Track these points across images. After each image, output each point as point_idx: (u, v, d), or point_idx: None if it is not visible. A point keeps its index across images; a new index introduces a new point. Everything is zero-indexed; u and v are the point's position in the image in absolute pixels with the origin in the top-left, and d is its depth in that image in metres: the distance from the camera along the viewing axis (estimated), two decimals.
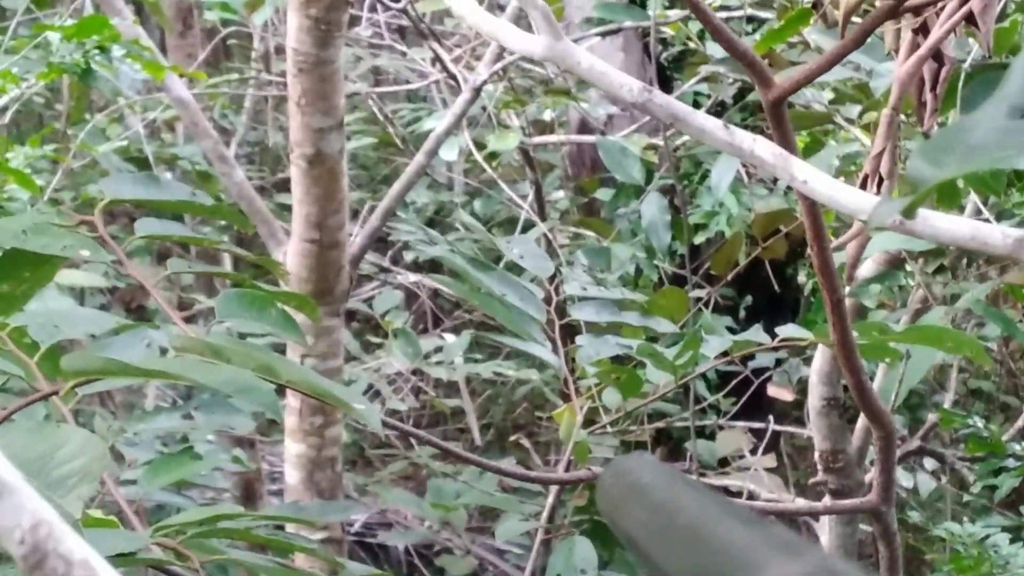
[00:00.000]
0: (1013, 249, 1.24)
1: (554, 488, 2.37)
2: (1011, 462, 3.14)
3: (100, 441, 1.18)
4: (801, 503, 3.01)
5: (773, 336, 2.06)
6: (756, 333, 2.07)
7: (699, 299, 4.18)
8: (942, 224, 1.22)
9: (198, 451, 1.89)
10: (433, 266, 5.62)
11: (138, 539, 1.55)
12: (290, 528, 3.09)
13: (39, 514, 0.55)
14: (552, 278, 2.27)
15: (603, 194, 4.55)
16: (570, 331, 2.37)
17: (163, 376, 1.27)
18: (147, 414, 1.85)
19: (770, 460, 4.40)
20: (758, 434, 4.37)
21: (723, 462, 4.49)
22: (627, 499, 0.81)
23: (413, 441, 4.81)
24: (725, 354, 4.48)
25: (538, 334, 2.08)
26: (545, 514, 2.32)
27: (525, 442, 4.41)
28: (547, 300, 2.18)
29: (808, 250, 1.41)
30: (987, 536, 3.90)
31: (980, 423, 3.19)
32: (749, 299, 4.83)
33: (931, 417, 3.22)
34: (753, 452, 4.29)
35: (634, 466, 0.87)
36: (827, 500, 3.32)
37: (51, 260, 1.51)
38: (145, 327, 1.63)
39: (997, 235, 1.23)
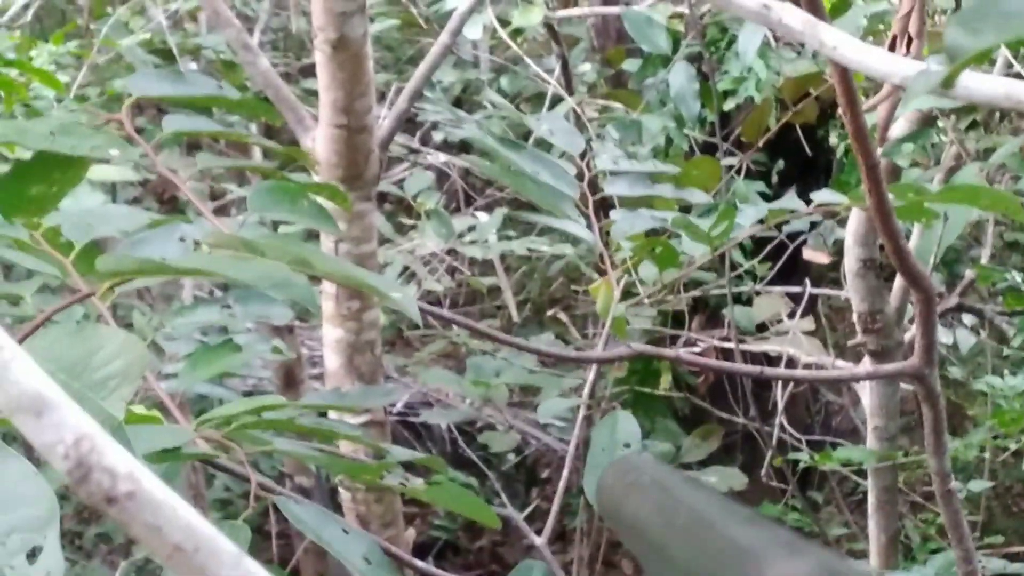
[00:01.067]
0: None
1: (589, 382, 2.37)
2: None
3: (139, 341, 1.19)
4: (841, 365, 3.01)
5: (808, 201, 2.05)
6: (791, 200, 2.06)
7: (731, 167, 4.16)
8: (975, 84, 1.21)
9: (237, 342, 1.89)
10: (463, 145, 5.60)
11: (182, 433, 1.56)
12: (332, 414, 3.11)
13: (81, 428, 0.55)
14: (583, 154, 2.25)
15: (630, 65, 4.51)
16: (603, 206, 2.36)
17: (198, 274, 1.27)
18: (185, 308, 1.85)
19: (808, 323, 4.40)
20: (795, 298, 4.36)
21: (761, 327, 4.49)
22: (628, 498, 0.81)
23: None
24: (760, 222, 4.48)
25: (572, 211, 2.07)
26: (587, 390, 2.33)
27: (563, 316, 4.41)
28: (579, 176, 2.16)
29: (839, 112, 1.39)
30: None
31: (1018, 277, 3.18)
32: (781, 164, 4.80)
33: (968, 273, 3.20)
34: (791, 316, 4.29)
35: (635, 465, 0.87)
36: (866, 361, 3.32)
37: (81, 160, 1.51)
38: (178, 221, 1.63)
39: None
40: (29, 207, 1.56)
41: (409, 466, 1.84)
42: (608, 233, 2.21)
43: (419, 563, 1.92)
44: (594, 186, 2.26)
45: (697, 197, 2.17)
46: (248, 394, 5.69)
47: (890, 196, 1.87)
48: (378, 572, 1.48)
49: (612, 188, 2.18)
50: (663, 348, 4.13)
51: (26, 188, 1.52)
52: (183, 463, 1.81)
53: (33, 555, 1.21)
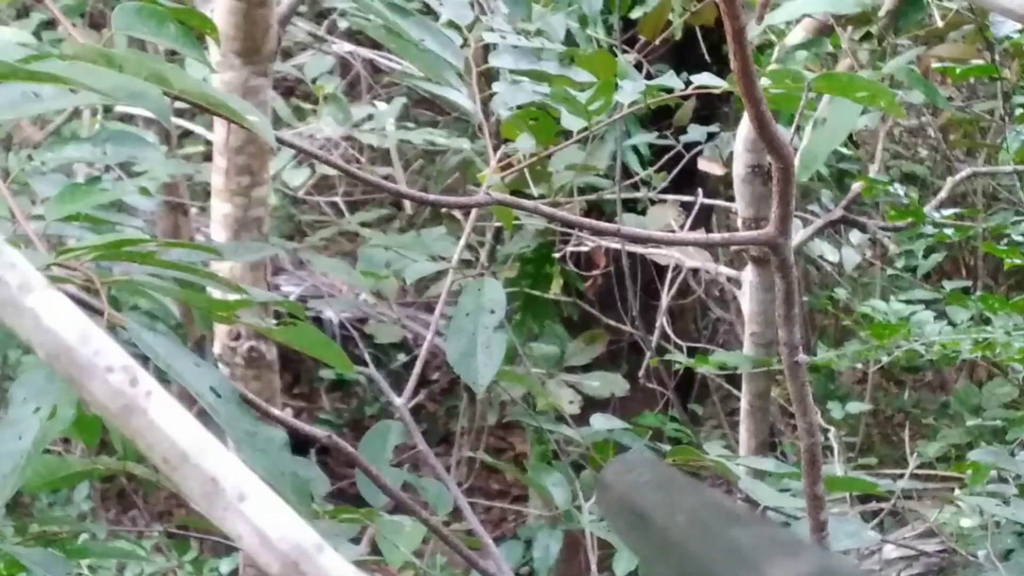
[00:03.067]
0: None
1: (465, 233, 2.38)
2: (930, 230, 3.17)
3: None
4: (715, 235, 3.03)
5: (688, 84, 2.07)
6: (670, 79, 2.07)
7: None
8: None
9: (103, 183, 1.88)
10: (372, 40, 5.56)
11: (39, 258, 1.55)
12: (216, 293, 3.11)
13: None
14: (471, 26, 2.25)
15: None
16: (490, 79, 2.37)
17: (52, 80, 1.25)
18: (54, 143, 1.83)
19: (701, 233, 4.43)
20: (689, 208, 4.39)
21: None
22: (627, 498, 0.82)
23: (343, 208, 4.82)
24: (659, 130, 4.48)
25: (454, 79, 2.07)
26: (455, 257, 2.33)
27: (457, 213, 4.41)
28: (464, 46, 2.16)
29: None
30: (912, 313, 3.95)
31: (900, 190, 3.22)
32: (686, 75, 4.80)
33: (855, 186, 3.24)
34: (684, 226, 4.32)
35: (634, 465, 0.87)
36: (749, 266, 3.36)
37: None
38: (56, 53, 1.61)
39: None
40: None
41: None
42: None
43: (290, 420, 1.93)
44: (482, 58, 2.26)
45: (582, 76, 2.18)
46: None
47: (766, 80, 1.89)
48: (226, 405, 1.49)
49: (497, 60, 2.18)
50: (549, 252, 4.15)
51: None
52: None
53: None
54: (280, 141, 1.72)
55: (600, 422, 2.35)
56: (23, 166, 1.83)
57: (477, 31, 2.24)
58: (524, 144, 2.10)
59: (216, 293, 2.01)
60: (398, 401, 1.95)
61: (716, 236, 2.50)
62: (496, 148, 2.17)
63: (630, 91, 1.99)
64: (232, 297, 1.70)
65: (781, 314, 1.68)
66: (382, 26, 2.10)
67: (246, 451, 1.48)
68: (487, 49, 2.29)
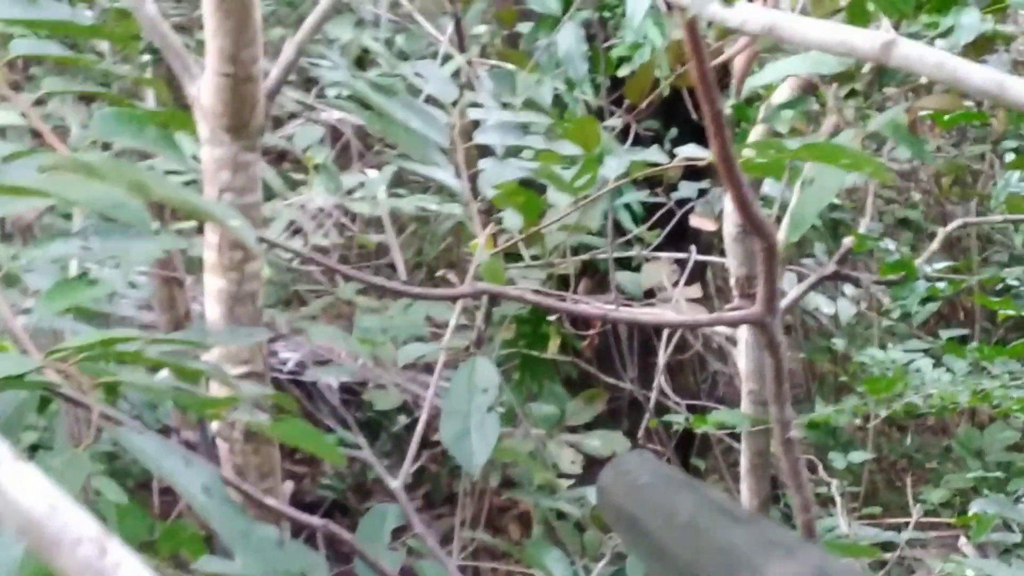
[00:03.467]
0: (879, 53, 1.25)
1: (453, 319, 2.38)
2: (923, 284, 3.18)
3: None
4: (702, 315, 3.04)
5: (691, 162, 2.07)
6: (654, 153, 2.08)
7: (613, 128, 4.18)
8: (812, 31, 1.23)
9: (95, 277, 1.88)
10: (361, 105, 5.58)
11: (27, 362, 1.56)
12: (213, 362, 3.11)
13: None
14: (457, 103, 2.26)
15: (524, 27, 4.52)
16: (483, 155, 2.37)
17: (33, 194, 1.26)
18: (40, 240, 1.84)
19: (695, 291, 4.43)
20: (683, 265, 4.39)
21: (650, 294, 4.52)
22: (626, 499, 0.82)
23: (338, 277, 4.82)
24: (650, 187, 4.49)
25: (439, 157, 2.08)
26: (446, 337, 2.34)
27: (452, 277, 4.41)
28: (451, 125, 2.17)
29: (732, 75, 1.41)
30: (911, 361, 3.95)
31: (892, 245, 3.23)
32: (674, 131, 4.82)
33: (846, 241, 3.24)
34: (677, 283, 4.32)
35: (633, 466, 0.87)
36: (745, 326, 3.36)
37: None
38: (40, 153, 1.62)
39: (865, 40, 1.24)
40: None
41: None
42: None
43: (287, 508, 1.93)
44: (469, 136, 2.27)
45: (567, 149, 2.19)
46: None
47: (750, 152, 1.89)
48: (219, 504, 1.49)
49: (483, 137, 2.19)
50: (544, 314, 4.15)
51: None
52: (56, 410, 1.79)
53: None
54: (263, 241, 1.73)
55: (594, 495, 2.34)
56: (9, 264, 1.83)
57: (462, 106, 2.26)
58: (512, 221, 2.11)
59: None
60: (394, 484, 1.94)
61: (703, 317, 2.51)
62: (485, 224, 2.18)
63: (614, 166, 2.00)
64: (222, 393, 1.71)
65: (771, 392, 1.68)
66: (366, 107, 2.12)
67: (240, 550, 1.48)
68: (475, 124, 2.30)
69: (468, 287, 1.76)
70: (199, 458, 1.53)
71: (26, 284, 2.17)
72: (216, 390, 2.53)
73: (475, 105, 2.26)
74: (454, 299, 1.99)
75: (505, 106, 2.30)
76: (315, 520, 1.77)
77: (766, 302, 1.60)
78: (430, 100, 2.24)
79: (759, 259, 1.59)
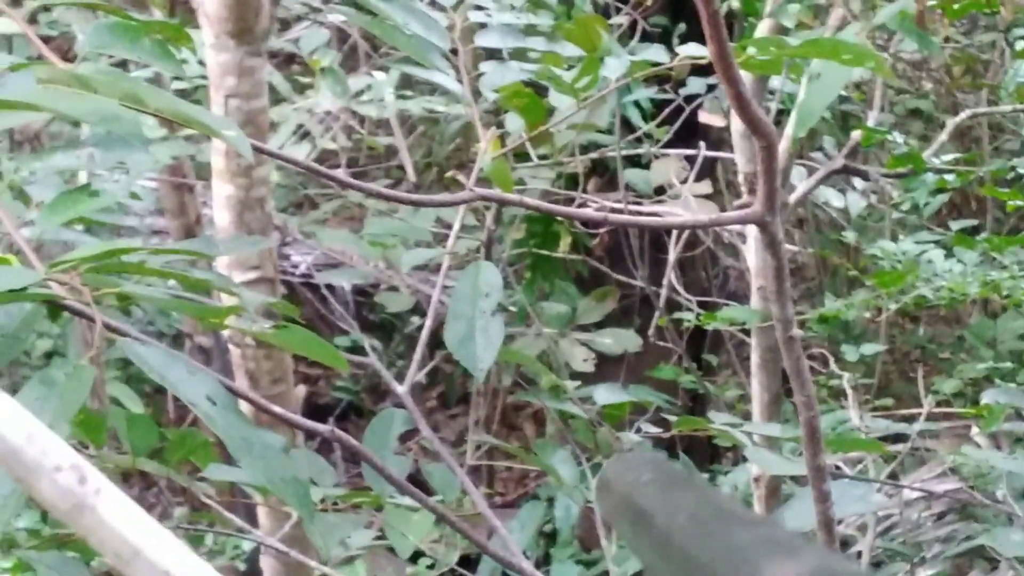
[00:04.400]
0: None
1: (455, 227, 2.37)
2: (931, 176, 3.16)
3: None
4: (703, 216, 3.03)
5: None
6: (656, 52, 2.06)
7: (620, 25, 4.15)
8: None
9: (97, 188, 1.88)
10: (360, 9, 5.53)
11: (29, 275, 1.56)
12: (222, 270, 3.11)
13: None
14: (458, 6, 2.24)
15: None
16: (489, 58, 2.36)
17: (26, 108, 1.26)
18: (43, 152, 1.83)
19: (705, 187, 4.42)
20: (692, 161, 4.38)
21: (659, 190, 4.51)
22: (627, 497, 0.81)
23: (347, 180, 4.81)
24: (659, 84, 4.46)
25: (440, 62, 2.06)
26: (450, 241, 2.33)
27: (460, 178, 4.40)
28: (451, 27, 2.16)
29: None
30: (922, 252, 3.94)
31: (900, 138, 3.21)
32: (682, 26, 4.79)
33: (854, 134, 3.22)
34: (686, 180, 4.31)
35: (634, 464, 0.87)
36: (739, 212, 3.35)
37: None
38: (37, 66, 1.62)
39: None
40: None
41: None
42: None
43: (293, 416, 1.94)
44: (470, 38, 2.26)
45: (569, 50, 2.17)
46: None
47: (752, 49, 1.88)
48: (223, 413, 1.50)
49: (484, 40, 2.17)
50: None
51: None
52: (68, 318, 1.80)
53: None
54: (258, 150, 1.72)
55: (603, 395, 2.35)
56: (12, 176, 1.83)
57: (463, 10, 2.24)
58: (514, 124, 2.10)
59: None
60: (400, 389, 1.95)
61: (703, 218, 2.50)
62: (489, 127, 2.17)
63: (615, 67, 1.98)
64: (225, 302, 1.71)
65: (772, 290, 1.68)
66: (366, 12, 2.10)
67: (244, 459, 1.49)
68: (481, 26, 2.29)
69: (468, 193, 1.76)
70: (203, 368, 1.53)
71: (30, 196, 2.18)
72: (225, 298, 2.54)
73: (477, 7, 2.25)
74: (454, 205, 1.98)
75: (508, 8, 2.29)
76: (321, 426, 1.78)
77: (766, 201, 1.59)
78: (432, 3, 2.22)
79: (758, 157, 1.59)
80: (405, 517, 1.98)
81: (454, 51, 2.15)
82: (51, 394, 1.50)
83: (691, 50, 2.00)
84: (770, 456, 2.14)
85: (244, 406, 1.74)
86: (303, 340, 1.60)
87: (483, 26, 2.30)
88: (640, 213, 4.06)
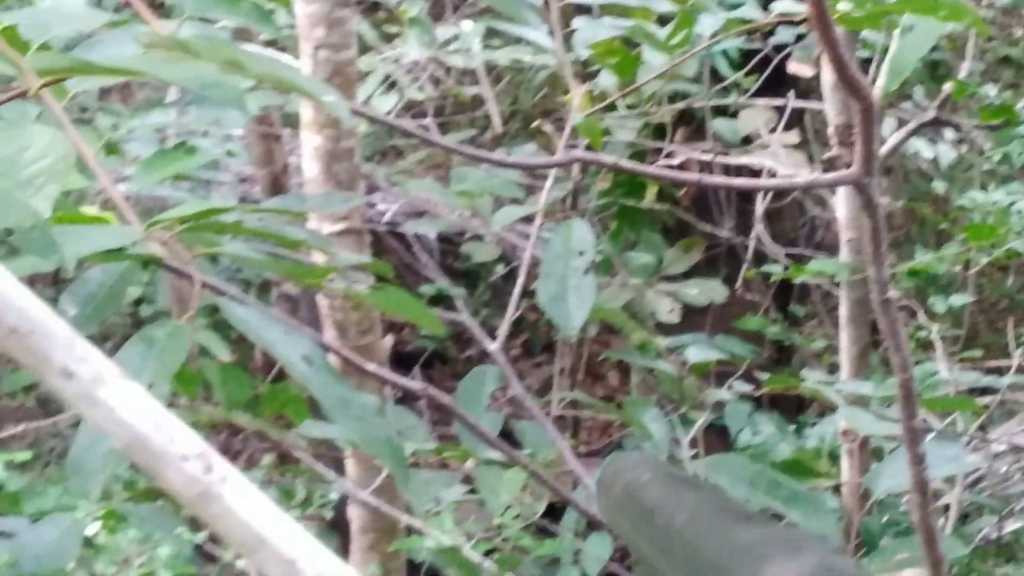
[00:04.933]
0: None
1: (553, 174, 2.37)
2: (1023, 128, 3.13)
3: (65, 140, 1.19)
4: (799, 176, 3.01)
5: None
6: (750, 9, 2.05)
7: None
8: None
9: (193, 145, 1.90)
10: None
11: (129, 233, 1.58)
12: (312, 224, 3.13)
13: None
14: None
15: None
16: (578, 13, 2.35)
17: (128, 73, 1.27)
18: (139, 111, 1.86)
19: (793, 137, 4.39)
20: (781, 111, 4.35)
21: (747, 141, 4.49)
22: (627, 497, 0.81)
23: (434, 130, 4.82)
24: (747, 33, 4.43)
25: (532, 17, 2.06)
26: (543, 198, 2.33)
27: (547, 127, 4.40)
28: None
29: None
30: (1012, 203, 3.90)
31: (992, 91, 3.17)
32: None
33: (946, 87, 3.19)
34: (775, 129, 4.28)
35: (633, 464, 0.87)
36: (837, 172, 3.33)
37: None
38: (135, 23, 1.63)
39: None
40: None
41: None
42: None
43: (387, 374, 1.95)
44: None
45: (662, 6, 2.16)
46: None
47: (847, 5, 1.86)
48: (318, 374, 1.51)
49: None
50: (642, 163, 4.14)
51: None
52: (155, 268, 1.82)
53: None
54: (357, 113, 1.73)
55: (694, 353, 2.35)
56: (110, 134, 1.85)
57: None
58: (606, 81, 2.09)
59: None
60: (492, 346, 1.96)
61: (799, 179, 2.49)
62: (580, 82, 2.17)
63: (709, 24, 1.97)
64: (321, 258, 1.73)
65: (869, 252, 1.67)
66: None
67: (340, 418, 1.50)
68: None
69: (563, 155, 1.76)
70: (299, 326, 1.55)
71: (122, 151, 2.20)
72: (318, 256, 2.55)
73: None
74: (550, 167, 1.98)
75: None
76: (415, 384, 1.79)
77: (864, 163, 1.58)
78: None
79: (856, 119, 1.57)
80: (497, 474, 2.00)
81: (545, 4, 2.15)
82: (151, 353, 1.52)
83: (784, 6, 1.98)
84: (864, 415, 2.14)
85: (332, 359, 1.76)
86: (399, 301, 1.61)
87: None
88: (728, 165, 4.05)
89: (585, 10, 2.32)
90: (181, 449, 0.55)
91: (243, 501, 0.55)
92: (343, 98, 3.21)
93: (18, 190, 1.16)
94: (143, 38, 1.33)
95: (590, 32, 2.13)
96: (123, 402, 0.56)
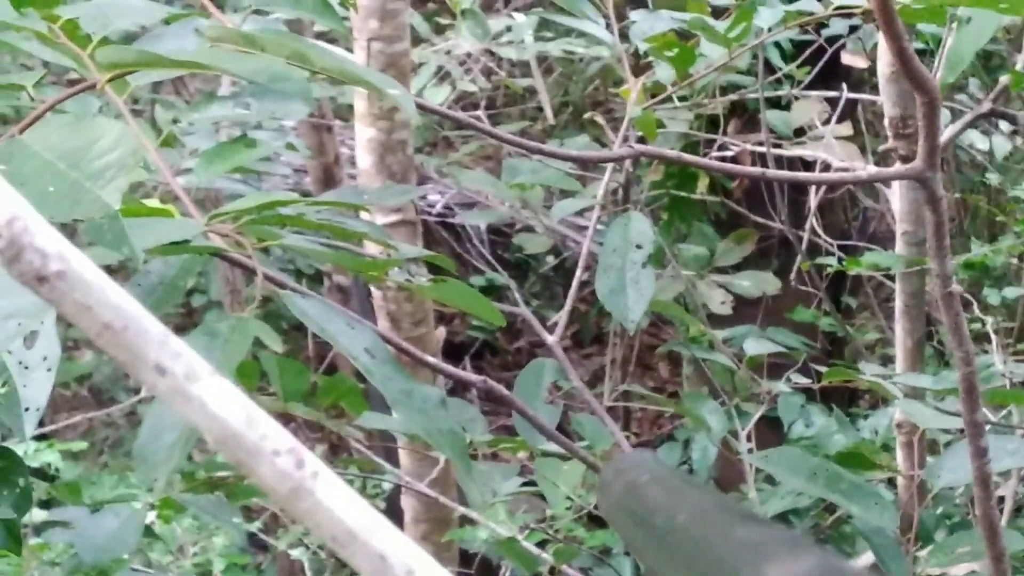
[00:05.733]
0: None
1: (607, 172, 2.37)
2: None
3: (133, 133, 1.20)
4: (861, 170, 3.00)
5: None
6: (809, 2, 2.04)
7: None
8: None
9: (253, 138, 1.90)
10: None
11: (191, 226, 1.58)
12: (365, 215, 3.14)
13: (14, 209, 0.56)
14: None
15: None
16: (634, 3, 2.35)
17: (194, 67, 1.28)
18: (198, 103, 1.86)
19: (846, 128, 4.37)
20: (834, 103, 4.33)
21: (799, 132, 4.47)
22: (627, 497, 0.81)
23: (486, 121, 4.82)
24: (800, 24, 4.42)
25: (590, 9, 2.06)
26: (600, 192, 2.33)
27: (599, 119, 4.39)
28: None
29: None
30: None
31: None
32: None
33: (1003, 79, 3.16)
34: (828, 121, 4.27)
35: (634, 464, 0.87)
36: (897, 165, 3.31)
37: None
38: (195, 15, 1.64)
39: None
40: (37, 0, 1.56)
41: None
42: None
43: (445, 366, 1.95)
44: None
45: None
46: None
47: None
48: (381, 366, 1.51)
49: None
50: (694, 155, 4.12)
51: None
52: (208, 258, 1.83)
53: (30, 340, 1.24)
54: (421, 108, 1.73)
55: (751, 346, 2.35)
56: (169, 128, 1.86)
57: None
58: (663, 74, 2.09)
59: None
60: (550, 340, 1.96)
61: (863, 173, 2.48)
62: (636, 75, 2.16)
63: (768, 17, 1.97)
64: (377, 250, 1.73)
65: (932, 246, 1.66)
66: None
67: (403, 411, 1.50)
68: None
69: (624, 150, 1.76)
70: (361, 320, 1.55)
71: (184, 144, 2.21)
72: (371, 246, 2.56)
73: None
74: (610, 161, 1.97)
75: None
76: (473, 377, 1.79)
77: (927, 158, 1.57)
78: None
79: (920, 113, 1.56)
80: (555, 466, 2.00)
81: None
82: (215, 345, 1.52)
83: None
84: (923, 409, 2.13)
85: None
86: (459, 293, 1.62)
87: None
88: (781, 157, 4.04)
89: (640, 3, 2.32)
90: (273, 445, 0.56)
91: (334, 497, 0.56)
92: (409, 93, 3.23)
93: (89, 182, 1.16)
94: (209, 31, 1.34)
95: (647, 24, 2.13)
96: (216, 398, 0.56)
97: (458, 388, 4.41)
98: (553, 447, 1.99)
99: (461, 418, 2.05)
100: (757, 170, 1.82)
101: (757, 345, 2.34)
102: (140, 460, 1.46)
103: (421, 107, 2.04)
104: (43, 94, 1.66)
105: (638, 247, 1.92)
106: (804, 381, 2.49)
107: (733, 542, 0.65)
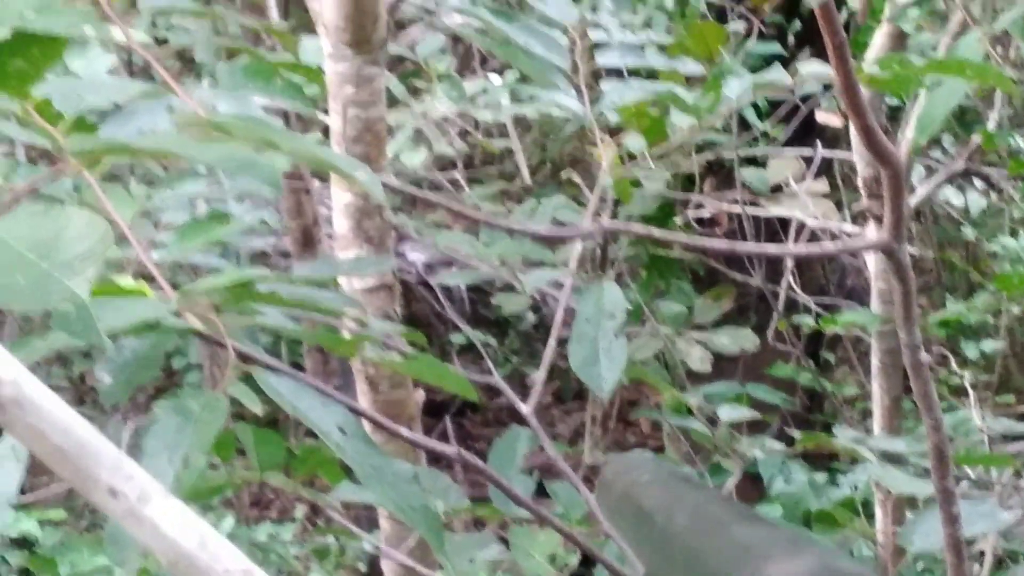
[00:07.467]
0: None
1: (575, 248, 2.39)
2: None
3: (103, 222, 1.21)
4: (848, 229, 3.02)
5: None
6: (776, 72, 2.06)
7: (738, 33, 4.14)
8: None
9: (227, 212, 1.92)
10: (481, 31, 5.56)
11: (164, 306, 1.59)
12: (342, 281, 3.14)
13: None
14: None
15: None
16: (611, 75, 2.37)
17: (163, 154, 1.29)
18: (173, 179, 1.88)
19: (821, 185, 4.40)
20: (809, 161, 4.36)
21: (776, 189, 4.50)
22: (627, 497, 0.82)
23: (463, 183, 4.85)
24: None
25: (561, 81, 2.08)
26: (573, 262, 2.34)
27: (576, 178, 4.42)
28: (572, 47, 2.17)
29: None
30: None
31: (1022, 142, 3.18)
32: (798, 25, 4.76)
33: (974, 138, 3.20)
34: (803, 179, 4.29)
35: (634, 465, 0.88)
36: (871, 225, 3.34)
37: (57, 39, 1.52)
38: (167, 93, 1.65)
39: None
40: (11, 81, 1.58)
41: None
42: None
43: (420, 439, 1.96)
44: (589, 56, 2.27)
45: (689, 67, 2.18)
46: (263, 255, 5.75)
47: (876, 68, 1.88)
48: (352, 443, 1.52)
49: (603, 59, 2.19)
50: (671, 214, 4.14)
51: (6, 63, 1.54)
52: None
53: None
54: (386, 186, 1.75)
55: (727, 412, 2.36)
56: (143, 205, 1.87)
57: (583, 27, 2.25)
58: (634, 143, 2.11)
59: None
60: (525, 409, 1.96)
61: (830, 245, 2.51)
62: (613, 134, 2.18)
63: (736, 88, 1.99)
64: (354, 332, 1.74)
65: (899, 315, 1.68)
66: (486, 32, 2.12)
67: (374, 487, 1.51)
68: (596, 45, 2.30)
69: (595, 226, 1.77)
70: (333, 394, 1.56)
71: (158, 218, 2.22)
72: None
73: (595, 26, 2.26)
74: (577, 238, 1.99)
75: (624, 27, 2.29)
76: (448, 448, 1.80)
77: (893, 229, 1.59)
78: (548, 20, 2.24)
79: (885, 185, 1.58)
80: (530, 536, 2.00)
81: (574, 66, 2.17)
82: (187, 424, 1.53)
83: (813, 68, 2.00)
84: (897, 474, 2.14)
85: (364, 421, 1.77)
86: (433, 369, 1.63)
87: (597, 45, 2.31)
88: (757, 216, 4.06)
89: (614, 71, 2.34)
90: (224, 565, 0.57)
91: None
92: (375, 156, 3.23)
93: (58, 272, 1.17)
94: (179, 118, 1.35)
95: (618, 95, 2.15)
96: (168, 520, 0.57)
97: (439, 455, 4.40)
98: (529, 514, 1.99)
99: (436, 488, 2.05)
100: (726, 244, 1.83)
101: (732, 412, 2.35)
102: (112, 541, 1.47)
103: (391, 188, 2.06)
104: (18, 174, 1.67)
105: (611, 316, 1.93)
106: (779, 446, 2.50)
107: (733, 542, 0.66)
